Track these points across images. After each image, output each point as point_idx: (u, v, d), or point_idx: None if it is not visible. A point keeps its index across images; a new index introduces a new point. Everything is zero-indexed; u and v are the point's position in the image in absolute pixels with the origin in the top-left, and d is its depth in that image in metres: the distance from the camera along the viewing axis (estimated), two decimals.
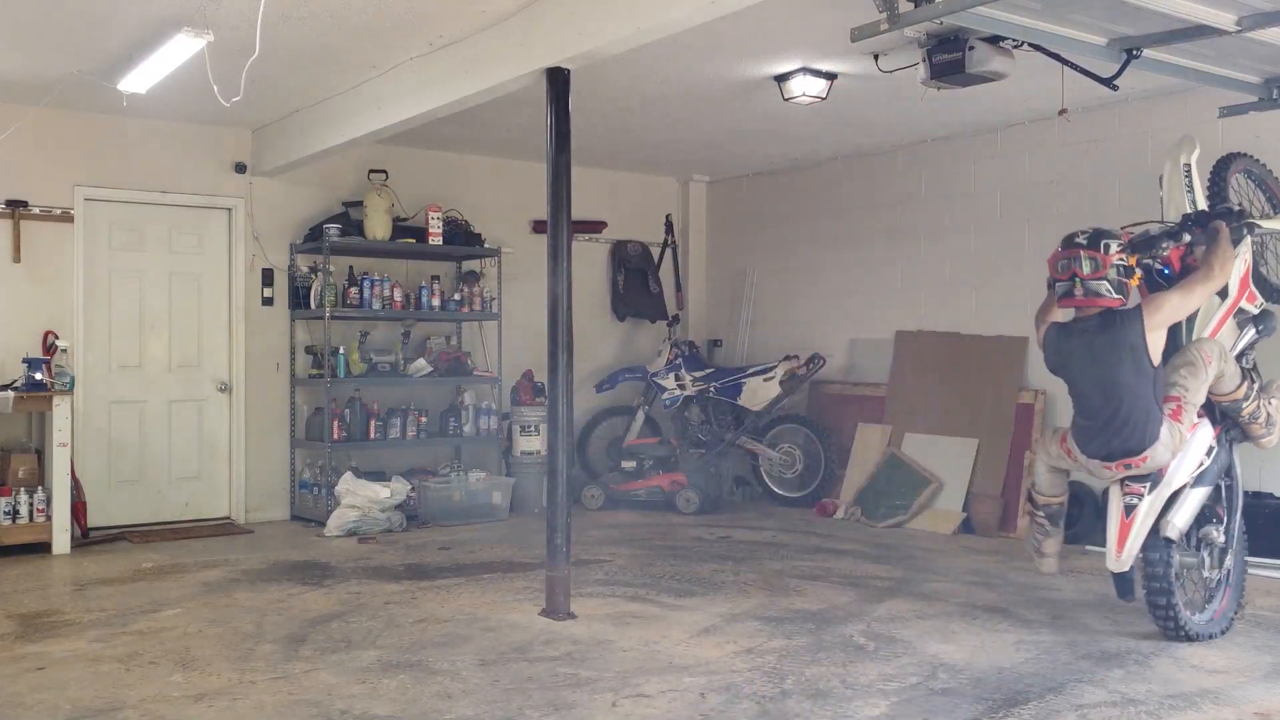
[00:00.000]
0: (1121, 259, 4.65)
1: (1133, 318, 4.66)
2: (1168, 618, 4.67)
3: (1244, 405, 4.88)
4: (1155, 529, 4.64)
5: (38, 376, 6.87)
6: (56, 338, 7.29)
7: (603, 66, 5.76)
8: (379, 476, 7.93)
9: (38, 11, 5.43)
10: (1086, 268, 4.65)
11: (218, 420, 8.15)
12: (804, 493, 8.71)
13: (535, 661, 4.47)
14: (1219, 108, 5.85)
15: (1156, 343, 4.67)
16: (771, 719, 3.80)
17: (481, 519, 8.12)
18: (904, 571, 6.32)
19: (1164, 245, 4.94)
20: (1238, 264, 4.89)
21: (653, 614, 5.28)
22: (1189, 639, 4.71)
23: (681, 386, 8.99)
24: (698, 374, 9.00)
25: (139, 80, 6.29)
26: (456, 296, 8.61)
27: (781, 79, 6.59)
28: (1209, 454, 4.80)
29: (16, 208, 7.30)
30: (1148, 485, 4.65)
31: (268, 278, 8.24)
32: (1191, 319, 4.89)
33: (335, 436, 7.94)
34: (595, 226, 9.65)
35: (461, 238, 8.54)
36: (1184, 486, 4.70)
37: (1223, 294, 4.91)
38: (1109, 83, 5.21)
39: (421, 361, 8.46)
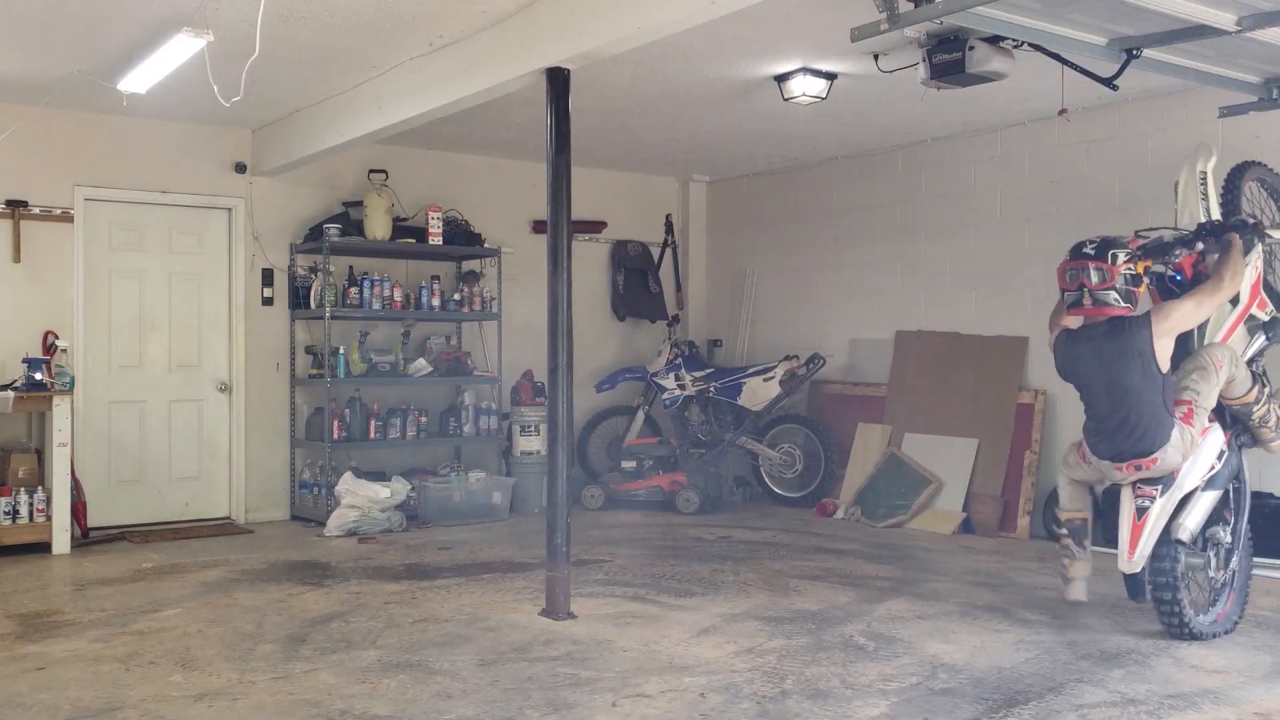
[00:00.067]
0: (1129, 268, 4.70)
1: (1140, 324, 4.72)
2: (1173, 614, 4.70)
3: (1255, 409, 4.96)
4: (1166, 531, 4.69)
5: (38, 376, 6.87)
6: (56, 338, 7.28)
7: (603, 66, 5.77)
8: (379, 476, 7.93)
9: (38, 11, 5.43)
10: (1094, 278, 4.71)
11: (218, 420, 8.15)
12: (804, 493, 8.71)
13: (535, 661, 4.47)
14: (1219, 108, 5.87)
15: (1164, 349, 4.72)
16: (771, 719, 3.81)
17: (481, 519, 8.11)
18: (904, 571, 6.32)
19: (1177, 252, 4.99)
20: (1249, 272, 4.96)
21: (653, 614, 5.28)
22: (1193, 638, 4.73)
23: (681, 386, 8.99)
24: (698, 374, 9.00)
25: (139, 80, 6.29)
26: (456, 296, 8.61)
27: (781, 79, 6.59)
28: (1220, 458, 4.85)
29: (16, 208, 7.30)
30: (1160, 488, 4.69)
31: (268, 278, 8.24)
32: (1203, 325, 4.96)
33: (335, 436, 7.94)
34: (595, 226, 9.65)
35: (461, 238, 8.54)
36: (1195, 489, 4.76)
37: (1234, 301, 4.99)
38: (1109, 83, 5.22)
39: (421, 361, 8.45)
